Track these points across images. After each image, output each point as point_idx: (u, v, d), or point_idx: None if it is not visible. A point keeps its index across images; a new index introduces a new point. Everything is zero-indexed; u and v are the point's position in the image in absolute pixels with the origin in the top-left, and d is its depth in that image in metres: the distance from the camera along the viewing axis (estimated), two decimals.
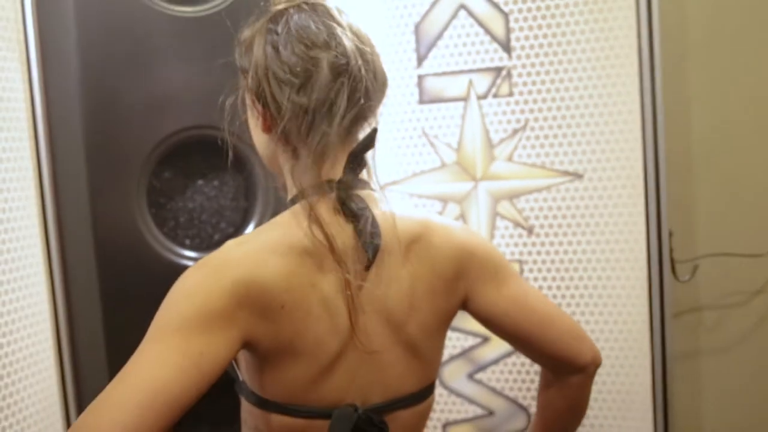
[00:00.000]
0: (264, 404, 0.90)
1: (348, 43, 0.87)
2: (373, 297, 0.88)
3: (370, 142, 0.89)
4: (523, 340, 0.99)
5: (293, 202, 0.90)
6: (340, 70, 0.85)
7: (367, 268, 0.86)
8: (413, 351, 0.93)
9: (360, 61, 0.87)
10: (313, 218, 0.85)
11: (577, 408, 1.04)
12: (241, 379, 0.95)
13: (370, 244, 0.85)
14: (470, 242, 0.96)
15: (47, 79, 1.33)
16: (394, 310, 0.90)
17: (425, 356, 0.95)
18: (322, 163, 0.88)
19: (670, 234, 1.49)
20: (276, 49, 0.86)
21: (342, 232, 0.86)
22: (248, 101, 0.93)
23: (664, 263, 1.46)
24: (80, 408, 1.39)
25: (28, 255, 1.33)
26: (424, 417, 0.99)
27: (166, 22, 1.36)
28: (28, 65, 1.33)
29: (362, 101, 0.87)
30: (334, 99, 0.85)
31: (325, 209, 0.87)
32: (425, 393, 0.97)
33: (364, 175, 0.91)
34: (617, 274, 1.48)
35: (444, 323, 0.97)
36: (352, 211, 0.86)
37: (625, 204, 1.46)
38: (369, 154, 0.90)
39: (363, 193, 0.90)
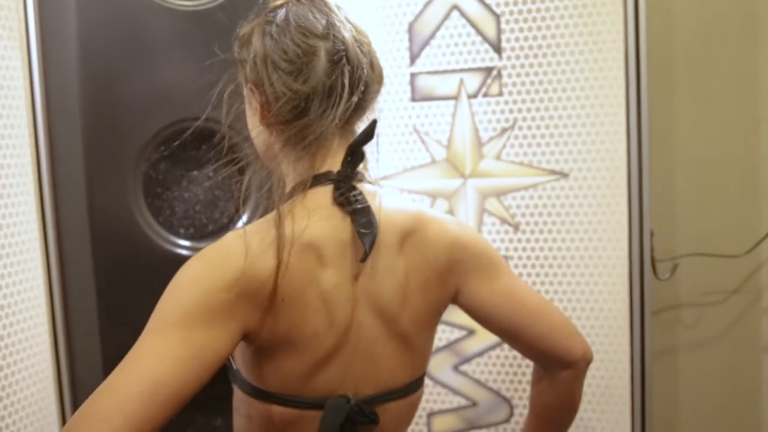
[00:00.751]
0: (259, 394, 0.90)
1: (346, 33, 0.88)
2: (368, 289, 0.89)
3: (370, 133, 0.89)
4: (512, 335, 0.99)
5: (291, 194, 0.89)
6: (337, 59, 0.86)
7: (364, 259, 0.86)
8: (405, 343, 0.93)
9: (357, 51, 0.88)
10: (278, 216, 0.84)
11: (568, 403, 1.04)
12: (234, 367, 0.94)
13: (367, 235, 0.85)
14: (463, 236, 0.97)
15: (47, 68, 1.34)
16: (389, 302, 0.90)
17: (417, 349, 0.95)
18: (319, 153, 0.89)
19: (652, 234, 1.51)
20: (275, 38, 0.87)
21: (339, 224, 0.87)
22: (246, 93, 0.93)
23: (645, 262, 1.48)
24: (75, 393, 1.40)
25: (25, 241, 1.34)
26: (413, 408, 1.00)
27: (165, 14, 1.37)
28: (29, 54, 1.33)
29: (359, 90, 0.88)
30: (331, 86, 0.86)
31: (323, 201, 0.88)
32: (416, 385, 0.97)
33: (361, 168, 0.91)
34: (599, 271, 1.51)
35: (435, 316, 0.97)
36: (350, 202, 0.86)
37: (609, 203, 1.49)
38: (368, 148, 0.90)
39: (361, 185, 0.90)
